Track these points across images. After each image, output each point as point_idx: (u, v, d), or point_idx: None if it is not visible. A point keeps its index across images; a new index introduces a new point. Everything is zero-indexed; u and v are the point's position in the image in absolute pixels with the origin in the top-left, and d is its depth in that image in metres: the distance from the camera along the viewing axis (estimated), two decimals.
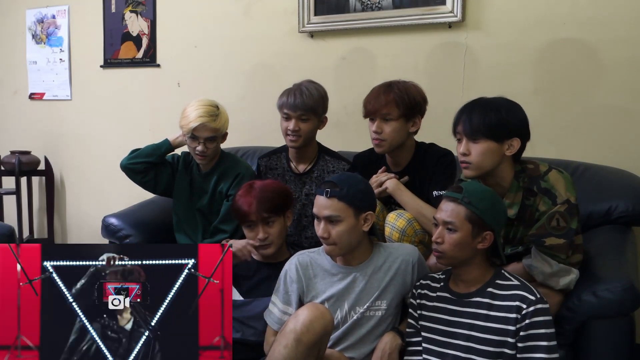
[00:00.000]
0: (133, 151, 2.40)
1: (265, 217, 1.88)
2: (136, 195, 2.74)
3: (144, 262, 1.56)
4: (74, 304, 1.54)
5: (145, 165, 2.36)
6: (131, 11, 3.47)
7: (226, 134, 2.34)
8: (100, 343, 1.53)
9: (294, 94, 2.19)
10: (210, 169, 2.36)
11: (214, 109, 2.25)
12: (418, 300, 1.66)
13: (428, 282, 1.67)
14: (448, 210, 1.55)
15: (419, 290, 1.67)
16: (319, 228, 1.67)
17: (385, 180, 1.99)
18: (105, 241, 2.51)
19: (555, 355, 1.46)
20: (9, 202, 3.83)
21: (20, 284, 1.54)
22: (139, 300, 1.55)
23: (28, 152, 3.75)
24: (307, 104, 2.17)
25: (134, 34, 3.48)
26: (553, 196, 1.64)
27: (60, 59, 3.79)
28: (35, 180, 3.93)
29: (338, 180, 1.68)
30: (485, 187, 1.66)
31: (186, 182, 2.41)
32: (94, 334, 1.53)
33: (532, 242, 1.66)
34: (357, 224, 1.67)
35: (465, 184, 1.62)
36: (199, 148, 2.24)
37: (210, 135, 2.23)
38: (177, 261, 1.57)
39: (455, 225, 1.52)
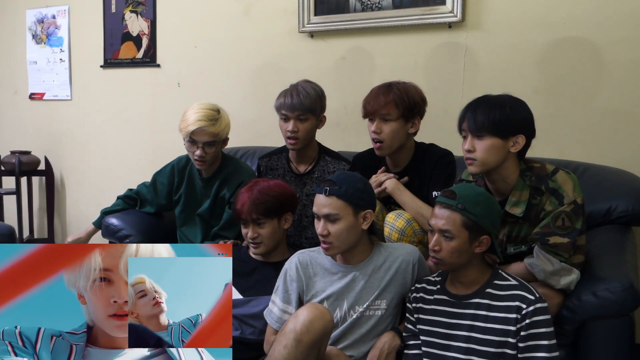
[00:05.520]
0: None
1: (255, 218, 1.89)
2: None
3: None
4: None
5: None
6: (131, 11, 3.47)
7: (227, 139, 2.31)
8: None
9: (290, 95, 2.18)
10: (212, 173, 2.35)
11: (214, 113, 2.23)
12: (414, 304, 1.66)
13: (424, 285, 1.67)
14: (444, 217, 1.53)
15: (414, 294, 1.67)
16: (319, 226, 1.68)
17: (384, 180, 1.99)
18: (105, 241, 2.51)
19: (556, 354, 1.46)
20: (9, 202, 3.83)
21: None
22: None
23: (28, 152, 3.76)
24: (304, 104, 2.17)
25: (134, 34, 3.48)
26: (560, 196, 1.64)
27: (60, 59, 3.79)
28: (35, 180, 3.94)
29: (337, 179, 1.68)
30: (479, 189, 1.66)
31: (182, 193, 2.41)
32: None
33: (536, 239, 1.66)
34: (356, 222, 1.67)
35: (457, 187, 1.61)
36: (198, 152, 2.22)
37: (208, 140, 2.21)
38: None
39: (451, 233, 1.52)
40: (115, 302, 1.31)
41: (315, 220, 1.71)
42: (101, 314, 1.33)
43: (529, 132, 1.69)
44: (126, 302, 1.33)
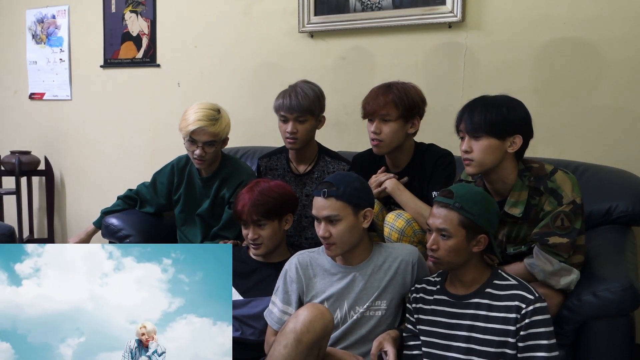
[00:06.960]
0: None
1: (256, 219, 1.89)
2: None
3: None
4: None
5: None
6: (131, 11, 3.47)
7: (227, 139, 2.31)
8: None
9: (289, 96, 2.18)
10: (211, 173, 2.34)
11: (214, 113, 2.22)
12: (414, 305, 1.66)
13: (423, 285, 1.67)
14: (441, 216, 1.54)
15: (414, 295, 1.67)
16: (320, 229, 1.68)
17: (384, 180, 1.99)
18: (105, 241, 2.51)
19: (556, 353, 1.46)
20: (9, 202, 3.83)
21: None
22: None
23: (28, 152, 3.76)
24: (303, 105, 2.16)
25: (134, 34, 3.48)
26: (559, 196, 1.65)
27: (60, 59, 3.79)
28: (35, 180, 3.94)
29: (334, 180, 1.68)
30: (476, 188, 1.66)
31: (182, 192, 2.41)
32: None
33: (536, 240, 1.66)
34: (357, 221, 1.67)
35: (455, 187, 1.61)
36: (197, 152, 2.22)
37: (208, 140, 2.21)
38: None
39: (449, 231, 1.52)
40: None
41: (315, 223, 1.71)
42: None
43: (527, 133, 1.69)
44: None
